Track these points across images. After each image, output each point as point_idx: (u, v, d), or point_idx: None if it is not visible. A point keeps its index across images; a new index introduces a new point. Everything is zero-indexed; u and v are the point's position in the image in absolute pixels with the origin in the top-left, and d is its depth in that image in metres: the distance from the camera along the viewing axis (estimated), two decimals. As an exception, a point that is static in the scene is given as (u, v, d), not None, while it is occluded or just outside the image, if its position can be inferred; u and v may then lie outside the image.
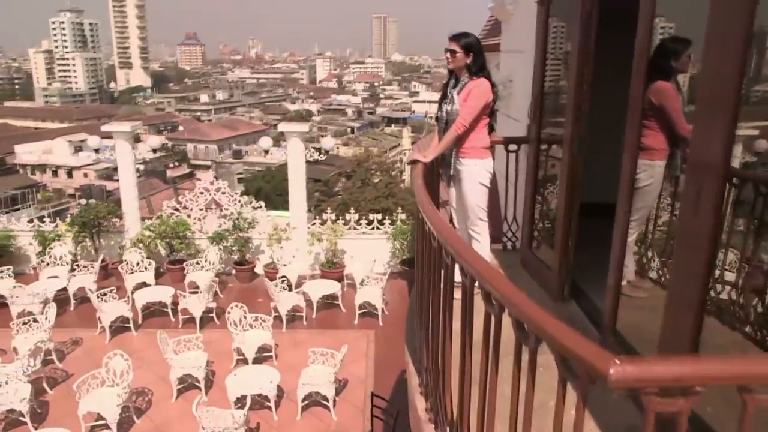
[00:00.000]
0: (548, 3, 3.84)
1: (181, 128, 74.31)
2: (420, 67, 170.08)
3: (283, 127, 10.68)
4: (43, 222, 11.02)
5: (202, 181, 10.98)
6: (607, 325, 3.32)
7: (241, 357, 7.77)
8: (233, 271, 10.78)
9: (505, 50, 5.76)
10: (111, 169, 53.24)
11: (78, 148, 54.09)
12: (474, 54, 3.71)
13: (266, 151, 10.52)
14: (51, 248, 10.33)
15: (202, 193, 10.84)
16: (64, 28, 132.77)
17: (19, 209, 45.14)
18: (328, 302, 9.55)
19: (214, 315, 9.04)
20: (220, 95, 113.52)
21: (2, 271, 9.69)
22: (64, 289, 9.59)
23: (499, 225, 5.03)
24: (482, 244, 3.95)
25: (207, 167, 61.95)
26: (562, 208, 3.84)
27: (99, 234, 10.65)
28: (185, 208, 10.88)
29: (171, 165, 59.03)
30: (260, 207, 11.02)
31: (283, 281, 9.51)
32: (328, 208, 11.63)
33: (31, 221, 11.14)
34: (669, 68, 3.07)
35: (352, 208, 12.02)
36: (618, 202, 3.23)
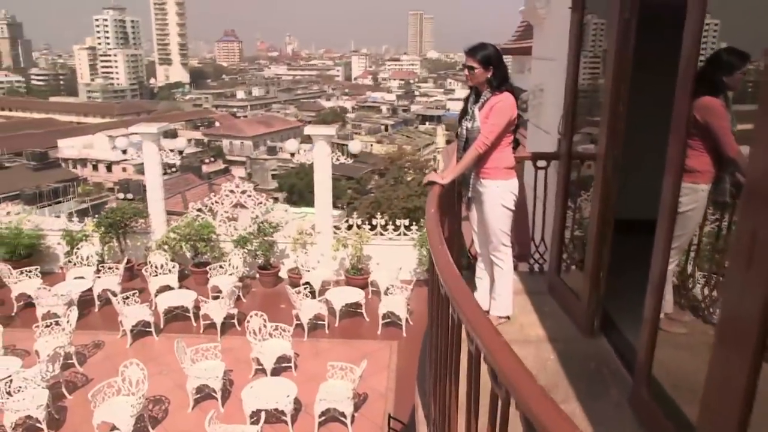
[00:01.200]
0: (582, 9, 3.51)
1: (217, 124, 75.30)
2: (455, 64, 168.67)
3: (309, 130, 10.50)
4: (73, 220, 11.08)
5: (227, 183, 10.85)
6: (641, 369, 2.98)
7: (260, 367, 7.60)
8: (257, 276, 10.65)
9: (537, 56, 5.41)
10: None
11: (127, 139, 55.30)
12: (494, 66, 3.41)
13: (292, 154, 10.32)
14: (78, 248, 10.37)
15: (227, 195, 10.74)
16: (107, 26, 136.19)
17: (60, 202, 46.40)
18: (352, 310, 9.33)
19: (235, 321, 8.91)
20: (256, 92, 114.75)
21: (30, 271, 9.75)
22: (90, 290, 9.61)
23: (527, 243, 4.72)
24: (505, 271, 3.65)
25: (242, 163, 62.66)
26: (593, 233, 3.51)
27: (125, 235, 10.65)
28: (210, 210, 10.79)
29: (207, 161, 59.74)
30: (284, 211, 10.85)
31: (306, 287, 9.34)
32: (354, 214, 11.39)
33: (70, 216, 11.20)
34: (719, 83, 2.73)
35: (383, 206, 11.77)
36: (658, 226, 2.89)
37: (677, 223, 2.92)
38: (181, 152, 10.40)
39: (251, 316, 7.69)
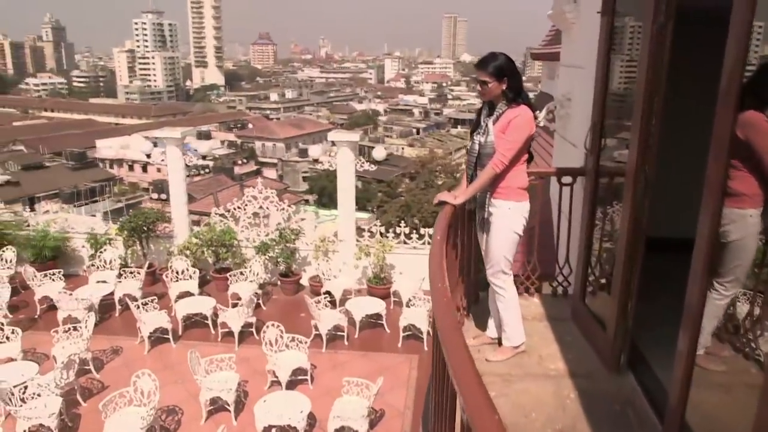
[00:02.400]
0: (612, 13, 3.21)
1: (250, 126, 75.99)
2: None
3: (333, 136, 10.31)
4: (108, 219, 11.13)
5: (249, 189, 10.75)
6: (673, 412, 2.67)
7: (276, 379, 7.42)
8: (278, 283, 10.51)
9: (565, 64, 5.09)
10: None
11: (153, 144, 56.35)
12: (508, 77, 3.14)
13: (316, 160, 10.13)
14: (102, 252, 10.38)
15: (250, 201, 10.62)
16: (145, 29, 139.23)
17: (96, 201, 47.44)
18: (372, 321, 9.09)
19: (253, 329, 8.76)
20: (290, 94, 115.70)
21: (53, 274, 9.78)
22: (111, 294, 9.59)
23: (551, 263, 4.41)
24: (508, 299, 3.36)
25: (274, 165, 63.15)
26: (621, 257, 3.20)
27: (148, 239, 10.63)
28: (233, 216, 10.70)
29: (239, 162, 60.32)
30: (314, 213, 10.69)
31: (327, 296, 9.15)
32: (377, 222, 11.17)
33: (105, 215, 11.28)
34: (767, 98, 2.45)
35: (413, 210, 11.52)
36: (695, 252, 2.58)
37: (729, 253, 2.64)
38: (204, 156, 10.29)
39: (267, 327, 7.51)
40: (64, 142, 60.93)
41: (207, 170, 53.54)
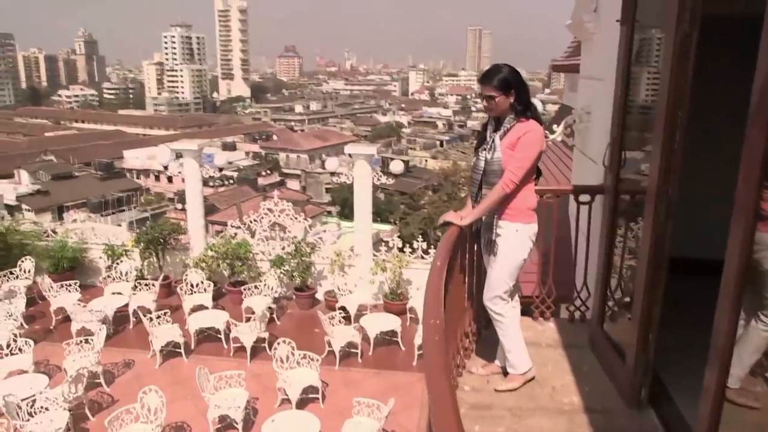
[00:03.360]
0: (632, 21, 3.00)
1: (274, 137, 76.63)
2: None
3: (350, 149, 10.18)
4: (133, 228, 11.15)
5: (265, 202, 10.66)
6: (700, 459, 2.42)
7: (287, 397, 7.25)
8: (294, 297, 10.36)
9: (584, 76, 4.88)
10: (207, 176, 55.49)
11: (179, 155, 57.08)
12: (515, 90, 2.94)
13: (333, 173, 10.02)
14: (118, 263, 10.37)
15: (266, 213, 10.53)
16: (174, 42, 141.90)
17: (123, 210, 48.21)
18: (387, 338, 8.88)
19: (266, 345, 8.61)
20: (314, 106, 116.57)
21: (69, 285, 9.79)
22: (126, 306, 9.55)
23: (568, 284, 4.18)
24: (507, 325, 3.14)
25: (297, 176, 63.49)
26: (642, 280, 2.97)
27: (164, 251, 10.59)
28: (248, 228, 10.61)
29: (263, 173, 60.78)
30: (324, 231, 10.54)
31: (341, 312, 8.98)
32: (395, 235, 10.98)
33: (131, 224, 11.30)
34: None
35: (436, 222, 11.32)
36: (723, 279, 2.35)
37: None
38: (220, 168, 10.26)
39: (278, 343, 7.35)
40: (93, 152, 62.22)
41: (231, 181, 54.09)
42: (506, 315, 3.10)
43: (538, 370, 3.29)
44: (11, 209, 40.12)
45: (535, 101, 5.37)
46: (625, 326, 3.24)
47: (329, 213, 47.69)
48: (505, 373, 3.24)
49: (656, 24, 2.87)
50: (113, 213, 46.56)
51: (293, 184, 60.40)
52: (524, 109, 2.96)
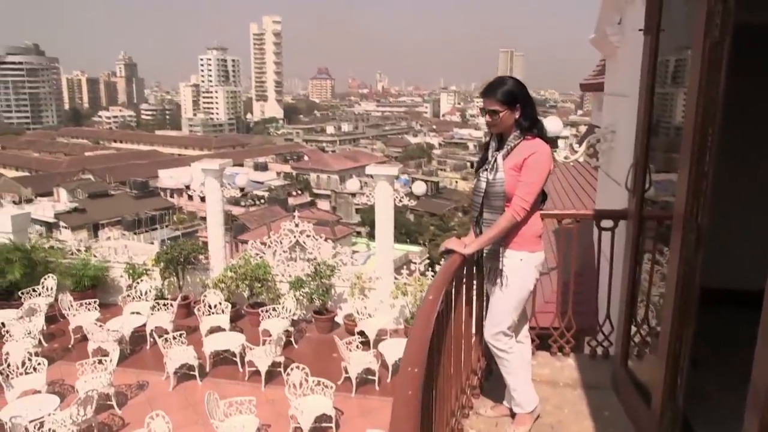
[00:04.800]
0: (657, 30, 2.73)
1: (306, 158, 77.34)
2: (546, 101, 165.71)
3: (371, 169, 10.01)
4: (165, 246, 11.13)
5: (285, 223, 10.53)
6: None
7: (299, 425, 6.99)
8: (313, 320, 10.15)
9: (609, 93, 4.59)
10: (238, 196, 56.24)
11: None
12: (521, 104, 2.69)
13: (353, 194, 9.84)
14: (138, 282, 10.33)
15: (286, 234, 10.39)
16: (210, 65, 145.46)
17: (156, 229, 49.03)
18: (406, 365, 8.56)
19: (281, 369, 8.39)
20: (346, 127, 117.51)
21: (89, 303, 9.76)
22: (144, 326, 9.47)
23: (590, 315, 3.86)
24: (511, 363, 2.84)
25: (327, 197, 63.80)
26: (669, 314, 2.65)
27: (184, 271, 10.52)
28: (269, 247, 10.48)
29: (294, 193, 61.27)
30: (343, 253, 10.35)
31: (360, 336, 8.73)
32: (419, 259, 10.71)
33: (163, 243, 11.31)
34: None
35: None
36: (764, 314, 2.04)
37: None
38: (242, 189, 10.20)
39: (292, 369, 7.13)
40: (128, 171, 63.72)
41: (262, 201, 54.54)
42: (511, 351, 2.82)
43: (554, 413, 2.98)
44: (49, 226, 41.21)
45: (554, 123, 5.11)
46: (651, 365, 2.92)
47: (358, 234, 47.62)
48: (513, 415, 2.94)
49: (684, 32, 2.60)
50: (146, 231, 47.36)
51: (323, 205, 60.71)
52: (530, 126, 2.71)
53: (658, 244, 3.02)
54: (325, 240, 10.43)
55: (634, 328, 3.28)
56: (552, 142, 4.74)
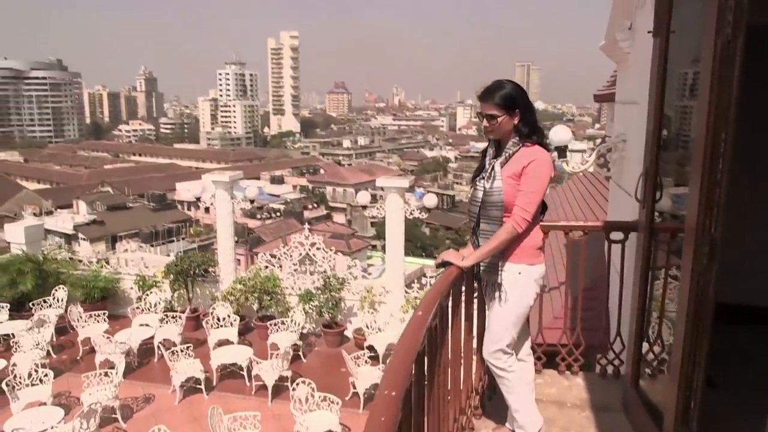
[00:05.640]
0: (667, 32, 2.60)
1: (322, 171, 77.65)
2: (563, 115, 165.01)
3: (381, 182, 9.91)
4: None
5: (295, 235, 10.44)
6: None
7: (305, 441, 6.85)
8: (322, 334, 10.02)
9: (620, 101, 4.45)
10: (255, 208, 56.74)
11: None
12: (521, 109, 2.55)
13: (364, 207, 9.75)
14: (147, 294, 10.30)
15: (296, 247, 10.30)
16: (228, 79, 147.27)
17: (172, 241, 49.36)
18: (416, 381, 8.39)
19: (289, 383, 8.25)
20: (362, 140, 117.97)
21: (98, 315, 9.74)
22: (152, 338, 9.40)
23: (600, 331, 3.69)
24: (512, 381, 2.69)
25: (343, 210, 63.87)
26: (682, 331, 2.48)
27: (194, 283, 10.47)
28: (279, 259, 10.40)
29: (309, 206, 61.42)
30: (354, 266, 10.23)
31: (369, 351, 8.58)
32: (430, 270, 10.55)
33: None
34: None
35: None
36: None
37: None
38: (252, 201, 10.17)
39: (297, 384, 7.00)
40: (147, 184, 64.40)
41: (278, 214, 54.71)
42: (511, 370, 2.66)
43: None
44: (68, 238, 41.72)
45: (562, 132, 4.94)
46: (663, 386, 2.75)
47: (374, 247, 47.57)
48: (515, 438, 2.78)
49: (695, 32, 2.46)
50: (163, 243, 47.69)
51: (339, 218, 60.77)
52: (530, 133, 2.57)
53: (670, 257, 2.86)
54: (335, 252, 10.32)
55: (646, 346, 3.11)
56: (561, 151, 4.60)
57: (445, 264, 2.58)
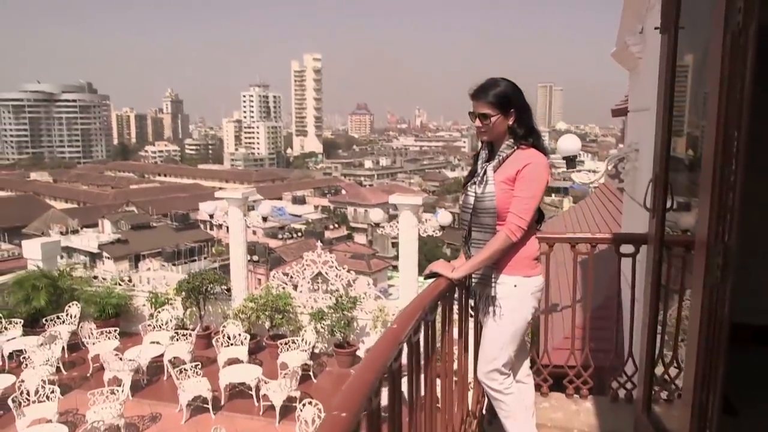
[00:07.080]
0: (676, 29, 2.42)
1: (343, 192, 77.93)
2: (586, 135, 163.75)
3: (394, 199, 9.77)
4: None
5: (308, 253, 10.33)
6: None
7: (310, 465, 6.64)
8: (334, 353, 9.82)
9: (632, 109, 4.25)
10: (277, 228, 56.99)
11: (251, 208, 58.82)
12: (516, 109, 2.38)
13: (377, 224, 9.61)
14: (159, 312, 10.24)
15: (308, 265, 10.18)
16: (252, 101, 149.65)
17: (194, 261, 49.73)
18: (428, 403, 8.13)
19: (297, 404, 8.05)
20: (384, 161, 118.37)
21: (110, 332, 9.69)
22: (162, 356, 9.31)
23: (617, 350, 3.46)
24: (509, 404, 2.48)
25: (364, 230, 63.83)
26: (695, 353, 2.27)
27: (206, 300, 10.38)
28: (291, 277, 10.27)
29: (331, 227, 61.53)
30: (370, 286, 10.06)
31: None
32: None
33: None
34: None
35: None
36: None
37: None
38: (264, 219, 10.11)
39: (304, 405, 6.81)
40: (170, 204, 65.21)
41: (300, 234, 54.81)
42: (508, 392, 2.46)
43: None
44: (93, 257, 42.29)
45: (571, 141, 4.77)
46: (677, 412, 2.52)
47: (395, 268, 47.33)
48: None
49: (705, 27, 2.29)
50: (185, 263, 48.00)
51: (360, 239, 60.72)
52: (526, 135, 2.39)
53: (683, 272, 2.65)
54: (348, 271, 10.16)
55: (661, 368, 2.88)
56: (569, 161, 4.40)
57: (434, 275, 2.40)
